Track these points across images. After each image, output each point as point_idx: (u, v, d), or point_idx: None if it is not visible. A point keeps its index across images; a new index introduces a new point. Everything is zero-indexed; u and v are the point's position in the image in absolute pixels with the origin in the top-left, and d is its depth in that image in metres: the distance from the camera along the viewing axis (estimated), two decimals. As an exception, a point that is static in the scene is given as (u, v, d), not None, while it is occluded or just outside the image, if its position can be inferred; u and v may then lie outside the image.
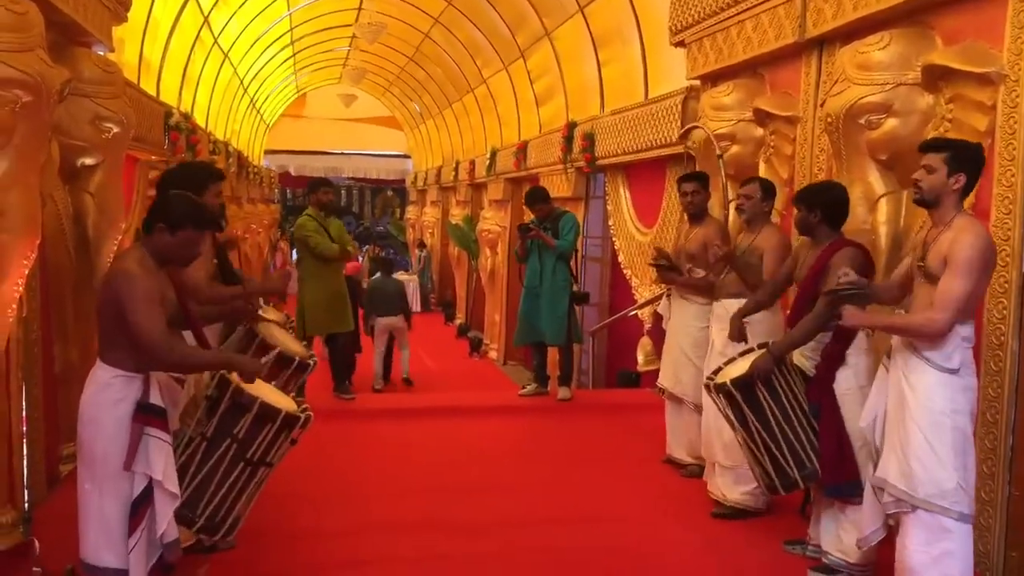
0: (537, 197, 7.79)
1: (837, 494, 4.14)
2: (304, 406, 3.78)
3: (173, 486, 3.34)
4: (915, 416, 3.54)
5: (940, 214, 3.60)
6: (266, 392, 3.73)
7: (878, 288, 3.94)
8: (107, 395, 3.28)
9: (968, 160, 3.57)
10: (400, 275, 15.97)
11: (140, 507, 3.29)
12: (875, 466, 3.79)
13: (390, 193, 29.95)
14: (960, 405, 3.54)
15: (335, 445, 6.29)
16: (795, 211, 4.43)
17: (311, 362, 4.53)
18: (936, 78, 4.44)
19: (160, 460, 3.29)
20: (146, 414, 3.28)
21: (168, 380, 3.45)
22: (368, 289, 11.07)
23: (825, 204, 4.31)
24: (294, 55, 17.87)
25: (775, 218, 6.08)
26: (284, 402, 3.75)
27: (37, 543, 4.00)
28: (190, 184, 4.15)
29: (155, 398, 3.32)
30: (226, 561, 4.24)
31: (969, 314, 3.55)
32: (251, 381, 3.59)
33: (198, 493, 3.53)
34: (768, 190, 5.13)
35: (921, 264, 3.64)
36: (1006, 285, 4.08)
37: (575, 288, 7.83)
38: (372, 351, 10.66)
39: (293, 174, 25.53)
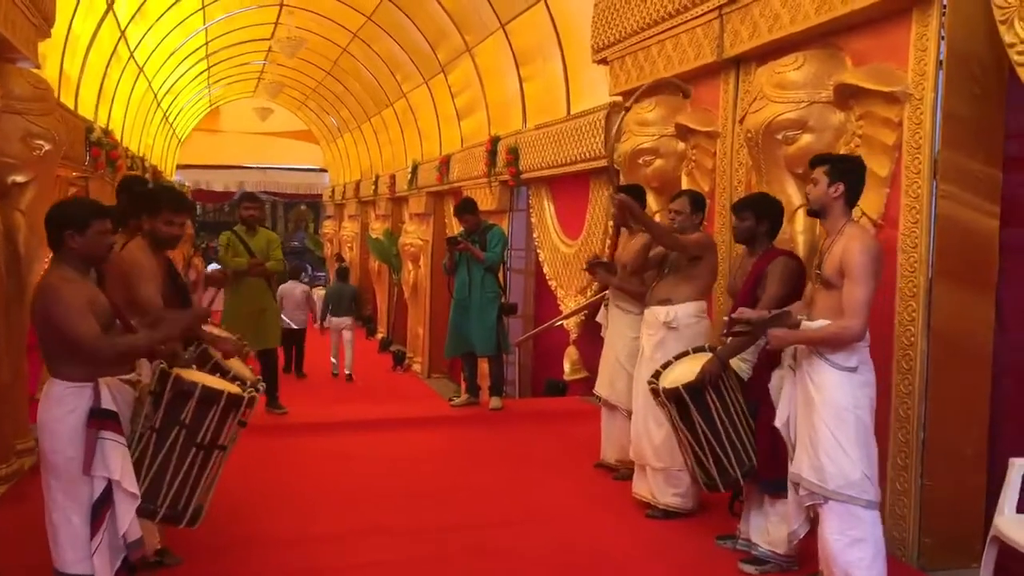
0: (465, 208, 7.94)
1: (772, 489, 4.36)
2: (249, 388, 3.85)
3: (131, 485, 3.43)
4: (821, 413, 3.81)
5: (830, 223, 3.91)
6: (207, 379, 3.81)
7: (794, 314, 4.16)
8: (62, 407, 3.38)
9: (846, 171, 3.89)
10: (319, 290, 16.25)
11: (100, 510, 3.38)
12: (791, 462, 4.04)
13: (303, 207, 29.69)
14: (860, 400, 3.81)
15: (277, 459, 6.30)
16: (736, 219, 4.59)
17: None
18: (847, 97, 4.75)
19: (116, 461, 3.39)
20: (99, 419, 3.38)
21: (118, 384, 3.50)
22: (326, 293, 13.54)
23: (773, 216, 4.55)
24: (208, 68, 17.65)
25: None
26: (225, 386, 3.83)
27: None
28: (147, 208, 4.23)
29: (107, 403, 3.41)
30: (174, 575, 4.25)
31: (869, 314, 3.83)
32: (198, 328, 3.77)
33: (156, 483, 3.61)
34: (697, 203, 5.34)
35: (818, 271, 3.94)
36: (915, 289, 4.39)
37: (503, 299, 7.99)
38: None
39: (206, 189, 25.13)
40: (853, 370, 3.79)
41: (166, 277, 4.36)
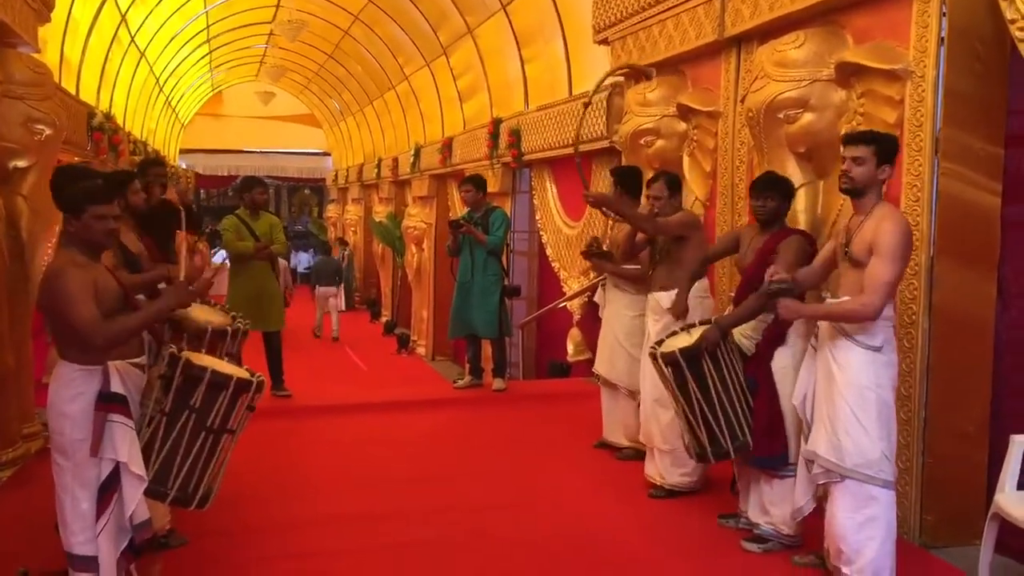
0: (470, 180, 7.96)
1: (765, 466, 4.38)
2: (258, 375, 3.87)
3: (139, 468, 3.43)
4: (842, 391, 3.80)
5: (864, 203, 3.86)
6: (216, 363, 3.83)
7: (804, 277, 4.17)
8: (70, 390, 3.38)
9: (892, 151, 3.85)
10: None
11: (107, 492, 3.39)
12: (806, 440, 4.05)
13: (307, 192, 29.65)
14: (883, 380, 3.81)
15: (278, 443, 6.33)
16: (759, 200, 4.52)
17: (239, 325, 4.63)
18: (849, 75, 4.73)
19: (124, 444, 3.39)
20: (108, 402, 3.37)
21: (127, 367, 3.51)
22: (313, 266, 16.63)
23: (792, 195, 4.56)
24: (210, 52, 17.61)
25: (699, 210, 6.36)
26: (234, 370, 3.85)
27: (-13, 547, 3.99)
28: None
29: (116, 386, 3.41)
30: (179, 557, 4.28)
31: (891, 295, 3.83)
32: (186, 306, 3.72)
33: (166, 466, 3.62)
34: (673, 184, 5.37)
35: (846, 250, 3.90)
36: (916, 268, 4.39)
37: (506, 282, 7.99)
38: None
39: (209, 174, 25.12)
40: (878, 349, 3.78)
41: (118, 255, 4.32)
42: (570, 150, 8.54)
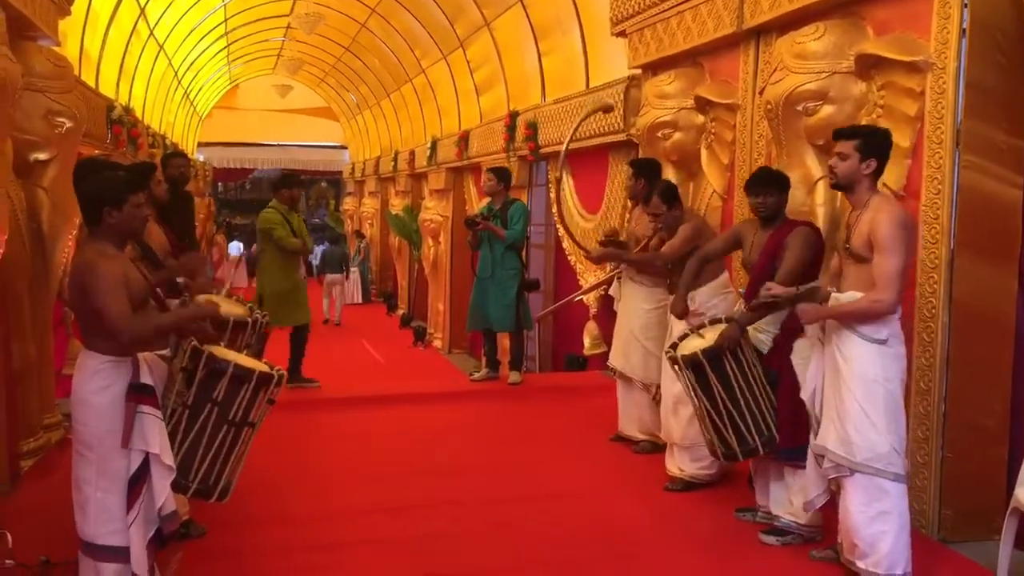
0: (495, 170, 7.96)
1: (791, 458, 4.36)
2: (278, 368, 3.89)
3: (169, 459, 3.44)
4: (850, 386, 3.80)
5: (857, 197, 3.88)
6: (239, 357, 3.86)
7: (823, 288, 4.15)
8: (98, 381, 3.37)
9: (877, 146, 3.85)
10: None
11: (137, 483, 3.39)
12: (815, 435, 4.04)
13: (324, 184, 29.73)
14: (891, 373, 3.80)
15: (296, 435, 6.35)
16: (760, 198, 4.51)
17: (257, 315, 4.65)
18: (869, 67, 4.70)
19: (155, 435, 3.40)
20: (138, 393, 3.38)
21: (155, 358, 3.52)
22: (321, 254, 17.95)
23: (789, 188, 4.56)
24: (228, 46, 17.67)
25: (716, 203, 6.34)
26: (256, 364, 3.87)
27: (9, 536, 4.02)
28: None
29: (145, 377, 3.42)
30: (198, 548, 4.30)
31: (902, 286, 3.80)
32: (212, 321, 3.75)
33: (188, 459, 3.63)
34: (669, 197, 5.36)
35: (847, 246, 3.90)
36: (936, 261, 4.36)
37: (525, 276, 7.98)
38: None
39: (227, 167, 25.22)
40: (883, 342, 3.77)
41: (135, 248, 4.31)
42: (587, 143, 8.55)
